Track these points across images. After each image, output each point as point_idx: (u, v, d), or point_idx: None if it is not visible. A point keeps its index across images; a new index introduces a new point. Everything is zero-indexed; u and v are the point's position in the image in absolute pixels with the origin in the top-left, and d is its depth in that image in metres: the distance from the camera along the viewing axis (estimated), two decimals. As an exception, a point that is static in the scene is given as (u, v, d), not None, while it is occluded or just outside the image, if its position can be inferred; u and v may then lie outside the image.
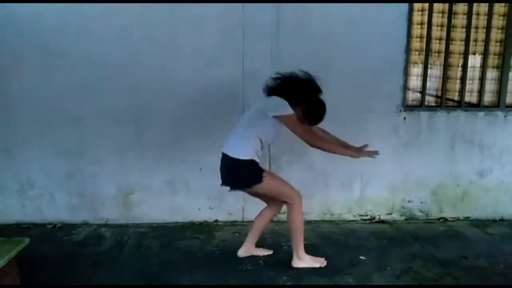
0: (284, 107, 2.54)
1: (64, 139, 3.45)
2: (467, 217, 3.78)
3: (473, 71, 3.72)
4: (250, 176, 2.58)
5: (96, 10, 3.28)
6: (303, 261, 2.79)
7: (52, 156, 3.47)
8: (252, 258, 2.92)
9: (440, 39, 3.65)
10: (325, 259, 2.86)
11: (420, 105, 3.68)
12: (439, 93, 3.71)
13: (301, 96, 2.59)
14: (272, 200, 2.80)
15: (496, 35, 3.66)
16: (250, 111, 2.69)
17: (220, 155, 2.64)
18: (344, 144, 2.81)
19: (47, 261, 2.88)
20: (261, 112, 2.58)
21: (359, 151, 2.73)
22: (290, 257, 2.80)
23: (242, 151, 2.55)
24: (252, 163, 2.56)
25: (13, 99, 3.39)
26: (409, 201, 3.74)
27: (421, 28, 3.61)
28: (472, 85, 3.74)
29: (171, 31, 3.35)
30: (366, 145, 2.78)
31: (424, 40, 3.61)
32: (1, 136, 3.44)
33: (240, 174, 2.59)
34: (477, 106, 3.73)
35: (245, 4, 3.31)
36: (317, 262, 2.82)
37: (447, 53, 3.64)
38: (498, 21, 3.64)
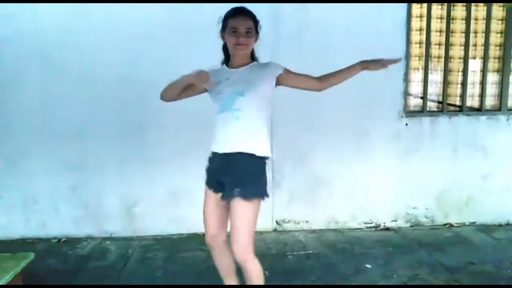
0: (276, 63, 2.11)
1: (67, 152, 3.46)
2: (473, 222, 3.75)
3: (474, 76, 3.72)
4: (265, 182, 1.99)
5: (96, 23, 3.31)
6: None
7: (55, 169, 3.48)
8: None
9: (439, 44, 3.66)
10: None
11: (422, 111, 3.68)
12: (441, 98, 3.71)
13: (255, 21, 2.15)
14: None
15: (495, 39, 3.67)
16: (235, 91, 2.02)
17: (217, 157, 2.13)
18: None
19: (52, 276, 2.87)
20: (269, 76, 2.01)
21: None
22: (295, 267, 2.78)
23: (261, 145, 1.97)
24: (266, 163, 2.02)
25: (15, 114, 3.42)
26: (413, 208, 3.72)
27: (420, 34, 3.62)
28: (473, 89, 3.74)
29: (171, 41, 3.36)
30: None
31: (424, 45, 3.62)
32: (4, 150, 3.46)
33: (259, 176, 1.99)
34: (479, 110, 3.72)
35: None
36: None
37: (447, 58, 3.65)
38: (496, 26, 3.66)
